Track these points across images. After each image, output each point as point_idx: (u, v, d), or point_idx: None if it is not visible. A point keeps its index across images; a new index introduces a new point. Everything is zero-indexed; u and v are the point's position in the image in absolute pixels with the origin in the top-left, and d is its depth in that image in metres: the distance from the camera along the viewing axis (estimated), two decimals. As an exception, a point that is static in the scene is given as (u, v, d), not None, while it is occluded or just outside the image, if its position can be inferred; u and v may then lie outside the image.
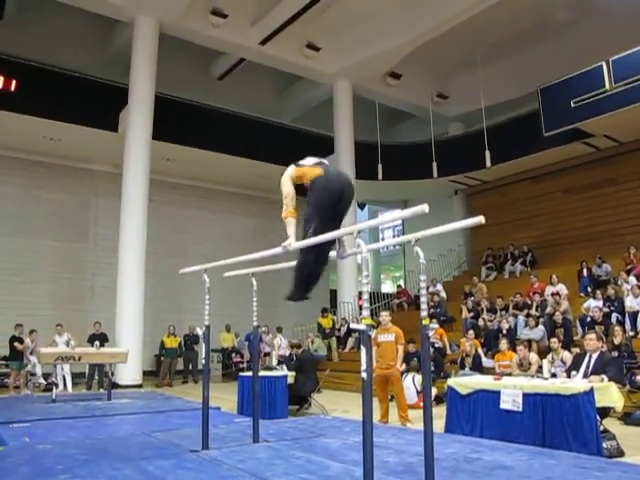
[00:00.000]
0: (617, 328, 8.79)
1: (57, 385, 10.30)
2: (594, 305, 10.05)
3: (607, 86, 12.13)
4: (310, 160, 4.10)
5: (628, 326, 9.53)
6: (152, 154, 12.87)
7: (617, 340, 8.47)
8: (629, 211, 13.80)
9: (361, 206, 20.32)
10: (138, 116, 12.73)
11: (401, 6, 13.42)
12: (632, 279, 10.42)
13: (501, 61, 15.80)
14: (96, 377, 11.89)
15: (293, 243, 3.71)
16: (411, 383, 8.72)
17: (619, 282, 10.86)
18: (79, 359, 9.92)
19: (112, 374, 10.64)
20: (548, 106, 13.42)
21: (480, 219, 2.85)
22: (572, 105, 12.74)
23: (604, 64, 12.20)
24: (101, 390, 11.10)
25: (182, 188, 16.53)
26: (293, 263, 4.06)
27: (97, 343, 10.65)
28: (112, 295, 12.44)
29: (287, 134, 15.41)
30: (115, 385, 11.03)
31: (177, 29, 13.55)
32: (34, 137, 13.25)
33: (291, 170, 4.06)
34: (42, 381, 11.77)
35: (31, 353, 11.16)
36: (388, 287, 24.53)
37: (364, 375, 2.76)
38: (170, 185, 16.09)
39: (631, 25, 12.78)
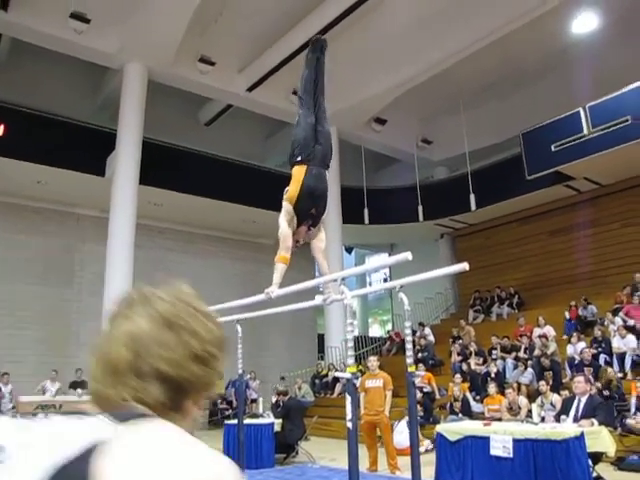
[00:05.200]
0: (609, 370, 8.78)
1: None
2: (582, 347, 10.04)
3: (585, 131, 12.46)
4: None
5: (616, 367, 9.50)
6: (139, 199, 12.88)
7: (612, 385, 8.41)
8: (611, 252, 13.96)
9: (348, 250, 20.38)
10: (125, 161, 12.78)
11: (385, 53, 13.78)
12: (618, 320, 10.45)
13: (483, 107, 16.18)
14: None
15: (276, 291, 3.69)
16: (405, 428, 8.54)
17: (605, 323, 10.89)
18: (60, 407, 9.67)
19: (94, 423, 10.32)
20: (530, 150, 13.71)
21: (464, 266, 2.87)
22: (553, 149, 13.03)
23: (582, 110, 12.56)
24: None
25: (169, 233, 16.48)
26: (279, 309, 4.04)
27: (79, 391, 10.41)
28: (96, 341, 12.21)
29: (274, 179, 15.51)
30: (97, 434, 10.70)
31: (166, 76, 13.78)
32: (21, 181, 13.24)
33: (286, 205, 3.85)
34: None
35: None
36: (376, 331, 24.36)
37: (349, 425, 2.71)
38: (157, 229, 16.05)
39: (606, 73, 13.22)
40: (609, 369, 8.84)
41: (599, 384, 8.50)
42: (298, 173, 3.88)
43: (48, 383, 11.05)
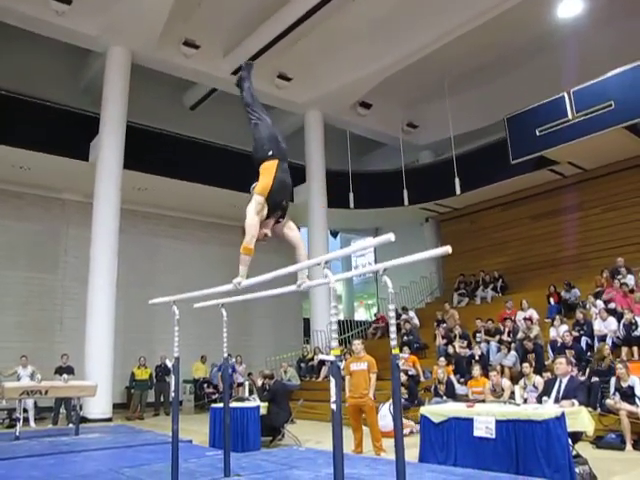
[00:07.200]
0: (606, 346, 8.88)
1: (19, 420, 9.81)
2: (564, 330, 10.18)
3: (569, 115, 12.54)
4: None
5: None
6: (123, 183, 12.76)
7: (605, 362, 8.54)
8: (594, 236, 14.13)
9: (334, 234, 20.41)
10: (109, 145, 12.64)
11: (370, 37, 13.72)
12: (599, 303, 10.59)
13: (468, 91, 16.19)
14: (64, 411, 11.54)
15: (243, 282, 3.84)
16: (388, 411, 8.64)
17: (587, 306, 11.03)
18: (46, 393, 9.59)
19: (80, 408, 10.33)
20: (515, 135, 13.77)
21: (447, 249, 2.88)
22: (537, 134, 13.10)
23: (566, 95, 12.63)
24: (70, 425, 10.75)
25: (154, 217, 16.37)
26: (264, 293, 4.07)
27: (65, 376, 10.37)
28: (81, 326, 12.16)
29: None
30: (83, 419, 10.71)
31: (150, 59, 13.60)
32: (4, 165, 13.04)
33: (259, 198, 3.89)
34: None
35: None
36: (361, 315, 24.50)
37: (333, 407, 2.75)
38: (142, 214, 15.94)
39: (590, 58, 13.28)
40: (606, 346, 8.94)
41: (593, 358, 8.65)
42: (271, 167, 4.05)
43: (20, 369, 10.97)
